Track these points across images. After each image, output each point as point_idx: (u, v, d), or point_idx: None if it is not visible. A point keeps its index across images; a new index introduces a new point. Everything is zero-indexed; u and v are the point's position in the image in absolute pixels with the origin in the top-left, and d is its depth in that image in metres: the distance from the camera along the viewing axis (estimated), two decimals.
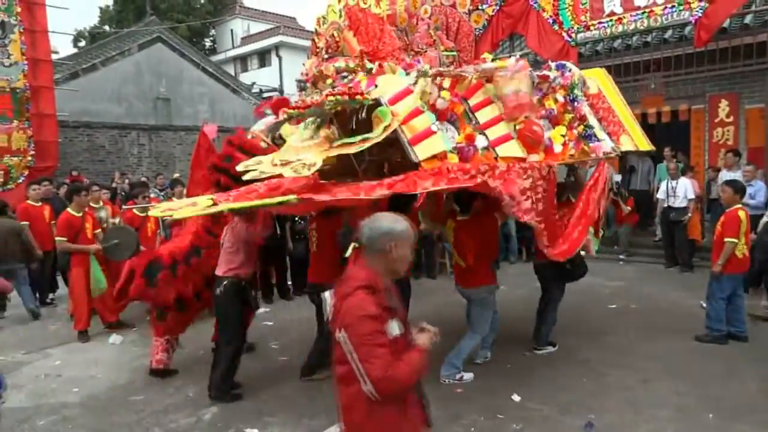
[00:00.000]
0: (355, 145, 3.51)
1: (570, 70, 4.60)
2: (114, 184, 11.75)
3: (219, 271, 4.56)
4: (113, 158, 15.31)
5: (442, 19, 10.28)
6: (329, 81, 10.20)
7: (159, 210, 3.73)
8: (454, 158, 3.69)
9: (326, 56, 10.15)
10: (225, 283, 4.46)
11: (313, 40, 11.17)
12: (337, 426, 3.92)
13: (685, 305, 6.57)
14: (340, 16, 10.55)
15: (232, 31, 30.50)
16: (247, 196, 3.37)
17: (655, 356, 5.03)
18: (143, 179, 11.45)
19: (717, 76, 8.74)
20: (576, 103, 4.57)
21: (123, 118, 16.52)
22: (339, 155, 3.69)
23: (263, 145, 4.80)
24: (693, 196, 8.22)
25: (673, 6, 7.80)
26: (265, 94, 24.28)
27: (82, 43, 27.91)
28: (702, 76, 8.61)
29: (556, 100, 4.40)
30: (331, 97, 3.55)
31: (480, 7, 9.89)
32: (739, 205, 5.25)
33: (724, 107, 9.02)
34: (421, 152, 3.58)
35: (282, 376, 4.92)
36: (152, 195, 9.30)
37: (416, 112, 3.59)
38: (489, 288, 4.80)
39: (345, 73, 9.80)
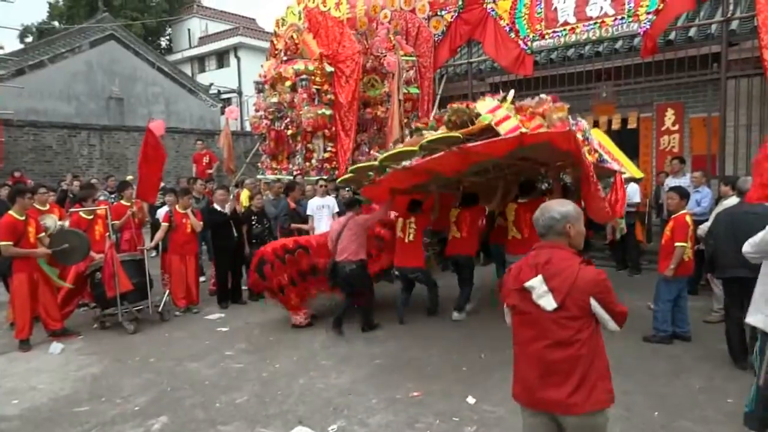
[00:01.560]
0: (472, 129, 5.01)
1: (581, 120, 5.60)
2: (65, 186, 11.28)
3: (344, 257, 6.03)
4: (61, 159, 14.71)
5: (401, 24, 10.36)
6: (288, 83, 10.18)
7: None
8: None
9: (285, 58, 10.11)
10: (355, 265, 6.03)
11: (272, 41, 11.11)
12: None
13: (633, 306, 6.75)
14: (300, 18, 10.52)
15: (189, 30, 29.86)
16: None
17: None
18: (93, 181, 11.04)
19: (664, 86, 9.09)
20: (589, 141, 5.58)
21: (73, 118, 15.93)
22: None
23: None
24: (638, 201, 8.49)
25: (623, 18, 8.09)
26: (224, 96, 23.89)
27: (29, 39, 26.79)
28: (650, 85, 8.94)
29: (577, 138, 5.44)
30: (454, 106, 5.18)
31: (439, 13, 10.03)
32: (685, 210, 5.46)
33: (670, 116, 9.38)
34: None
35: (236, 383, 4.81)
36: (102, 198, 8.99)
37: (506, 117, 4.91)
38: None
39: (304, 76, 9.79)
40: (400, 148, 5.51)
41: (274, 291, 6.23)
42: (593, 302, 2.37)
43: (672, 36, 8.96)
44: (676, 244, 5.28)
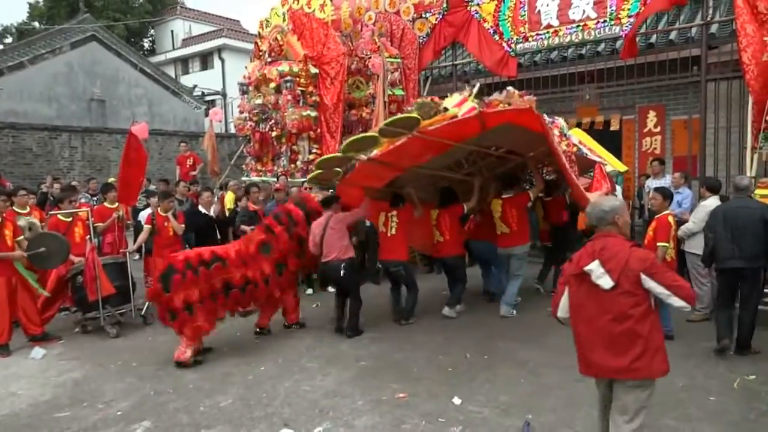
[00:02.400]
0: (436, 119, 5.01)
1: (557, 119, 5.81)
2: (45, 189, 11.09)
3: (333, 257, 5.81)
4: (42, 161, 14.48)
5: (386, 26, 10.37)
6: (272, 85, 10.12)
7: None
8: None
9: (269, 60, 10.06)
10: (344, 264, 5.80)
11: (256, 43, 11.05)
12: None
13: None
14: (284, 20, 10.49)
15: (172, 32, 29.59)
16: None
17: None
18: (74, 183, 10.88)
19: (646, 89, 9.20)
20: (568, 137, 5.75)
21: (54, 120, 15.71)
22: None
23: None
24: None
25: (605, 21, 8.17)
26: (208, 98, 23.72)
27: (9, 40, 26.38)
28: (632, 88, 9.04)
29: (554, 135, 5.52)
30: (419, 101, 5.17)
31: (424, 15, 10.05)
32: (668, 211, 5.52)
33: (652, 118, 9.49)
34: None
35: (220, 387, 4.76)
36: (83, 200, 8.86)
37: (472, 109, 5.06)
38: (526, 246, 6.68)
39: (289, 77, 9.75)
40: (360, 135, 5.39)
41: (176, 310, 5.14)
42: (644, 277, 2.75)
43: (653, 39, 9.08)
44: (658, 244, 5.34)
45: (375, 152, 5.44)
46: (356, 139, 5.18)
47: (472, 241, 7.30)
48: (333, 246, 5.88)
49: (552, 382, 4.65)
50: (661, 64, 8.52)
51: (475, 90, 5.35)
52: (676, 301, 2.73)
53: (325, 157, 5.86)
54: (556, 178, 7.45)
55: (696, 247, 6.16)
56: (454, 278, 6.73)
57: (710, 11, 8.16)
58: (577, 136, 6.82)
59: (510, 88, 5.30)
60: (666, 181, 7.81)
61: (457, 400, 4.30)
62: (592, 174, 6.26)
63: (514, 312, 6.56)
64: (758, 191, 6.21)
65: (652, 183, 8.18)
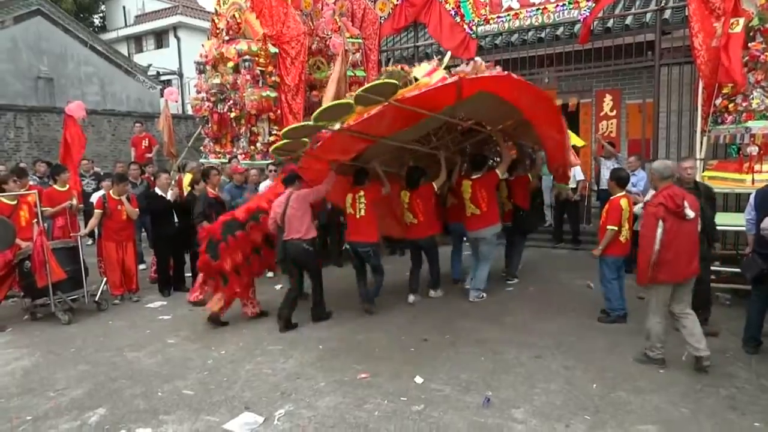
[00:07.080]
0: (410, 89, 5.05)
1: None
2: None
3: (294, 236, 5.69)
4: None
5: (347, 5, 10.22)
6: (230, 64, 9.84)
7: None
8: None
9: (227, 38, 9.77)
10: (305, 243, 5.70)
11: (213, 20, 10.70)
12: (245, 416, 3.83)
13: (574, 285, 7.05)
14: None
15: (124, 7, 28.36)
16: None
17: (548, 333, 5.34)
18: (22, 165, 10.37)
19: (603, 73, 9.39)
20: None
21: None
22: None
23: None
24: (582, 178, 8.84)
25: (564, 4, 8.28)
26: (164, 77, 22.94)
27: None
28: (590, 72, 9.21)
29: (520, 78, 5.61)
30: (389, 69, 5.34)
31: None
32: (622, 194, 5.57)
33: (608, 101, 9.70)
34: None
35: (179, 372, 4.67)
36: (31, 182, 8.46)
37: (444, 78, 5.02)
38: (497, 227, 6.61)
39: (247, 56, 9.50)
40: (334, 102, 5.06)
41: (227, 272, 5.70)
42: None
43: (610, 24, 9.26)
44: (607, 227, 5.43)
45: (350, 122, 5.18)
46: (329, 107, 4.85)
47: (450, 225, 7.17)
48: (294, 225, 5.70)
49: (511, 359, 4.75)
50: (617, 49, 8.71)
51: (445, 59, 5.39)
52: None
53: (293, 125, 5.38)
54: (518, 155, 7.23)
55: None
56: (430, 259, 6.60)
57: None
58: None
59: (477, 58, 5.24)
60: (613, 164, 8.04)
61: (419, 379, 4.35)
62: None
63: (483, 296, 6.52)
64: (706, 173, 6.45)
65: (603, 163, 8.45)
